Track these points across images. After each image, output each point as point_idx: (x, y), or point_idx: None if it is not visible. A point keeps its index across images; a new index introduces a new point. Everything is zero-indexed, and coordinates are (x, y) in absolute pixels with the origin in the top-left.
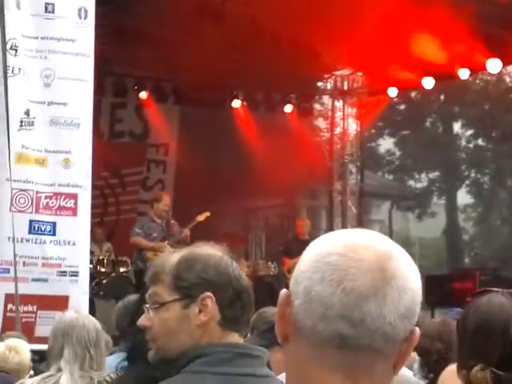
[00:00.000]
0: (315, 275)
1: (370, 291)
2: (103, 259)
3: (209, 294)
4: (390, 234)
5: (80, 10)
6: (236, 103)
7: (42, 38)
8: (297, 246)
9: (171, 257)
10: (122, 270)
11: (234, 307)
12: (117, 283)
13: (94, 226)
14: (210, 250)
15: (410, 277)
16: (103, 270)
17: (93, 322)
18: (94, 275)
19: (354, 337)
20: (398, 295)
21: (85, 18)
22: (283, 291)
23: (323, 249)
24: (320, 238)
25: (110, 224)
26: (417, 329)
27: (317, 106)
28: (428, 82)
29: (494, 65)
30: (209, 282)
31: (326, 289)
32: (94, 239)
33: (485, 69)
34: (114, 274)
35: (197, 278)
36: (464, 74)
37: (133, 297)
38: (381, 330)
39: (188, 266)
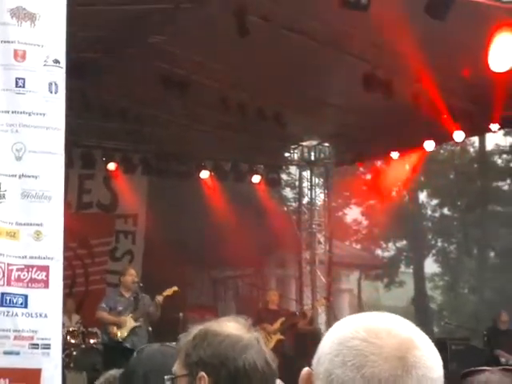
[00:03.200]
0: (337, 358)
1: (389, 379)
2: (73, 331)
3: (202, 373)
4: (359, 304)
5: (51, 84)
6: (204, 174)
7: (13, 112)
8: (268, 315)
9: (193, 331)
10: (91, 341)
11: None
12: (87, 355)
13: (64, 297)
14: (228, 328)
15: (431, 366)
16: (73, 341)
17: None
18: (64, 346)
19: None
20: None
21: (55, 93)
22: (305, 370)
23: (345, 332)
24: (343, 320)
25: (79, 295)
26: None
27: (284, 177)
28: (394, 154)
29: (458, 135)
30: (204, 361)
31: (346, 373)
32: (64, 310)
33: (450, 140)
34: (83, 346)
35: (197, 356)
36: (430, 145)
37: (113, 372)
38: None
39: (195, 343)
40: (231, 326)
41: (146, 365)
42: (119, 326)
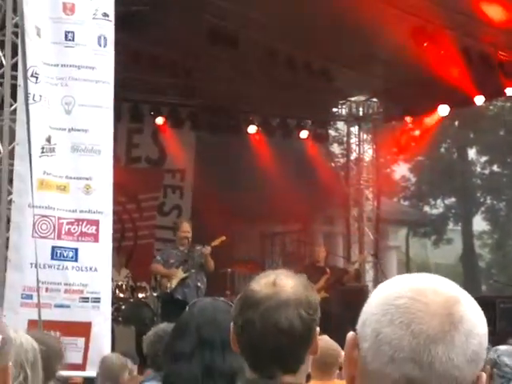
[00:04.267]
0: (384, 318)
1: (438, 335)
2: (122, 285)
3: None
4: (407, 261)
5: (100, 37)
6: (252, 129)
7: (62, 66)
8: (314, 272)
9: None
10: (140, 295)
11: None
12: (136, 309)
13: (113, 251)
14: (255, 283)
15: (476, 322)
16: (122, 295)
17: (31, 343)
18: (113, 300)
19: (423, 380)
20: (466, 339)
21: (104, 46)
22: (350, 334)
23: (391, 292)
24: (387, 281)
25: (127, 249)
26: (483, 374)
27: (332, 132)
28: (443, 110)
29: (509, 90)
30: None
31: (395, 331)
32: (113, 264)
33: (500, 95)
34: (132, 300)
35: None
36: (479, 100)
37: (163, 325)
38: (448, 373)
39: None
40: (260, 282)
41: (198, 318)
42: (169, 277)
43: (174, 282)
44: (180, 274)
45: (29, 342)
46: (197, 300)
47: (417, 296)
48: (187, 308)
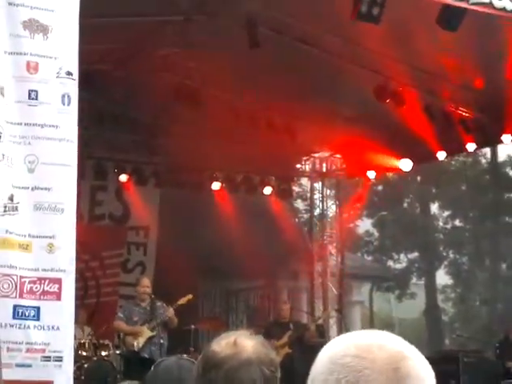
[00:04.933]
0: (330, 376)
1: None
2: (84, 343)
3: None
4: (371, 316)
5: (63, 96)
6: (215, 185)
7: (25, 124)
8: (278, 329)
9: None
10: (103, 353)
11: None
12: (98, 367)
13: (76, 308)
14: (217, 344)
15: (424, 376)
16: (84, 353)
17: None
18: (75, 359)
19: None
20: None
21: (68, 105)
22: None
23: (337, 351)
24: (333, 340)
25: (90, 307)
26: None
27: (295, 188)
28: (406, 164)
29: (470, 146)
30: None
31: None
32: (76, 322)
33: (462, 151)
34: (95, 358)
35: None
36: (441, 155)
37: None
38: None
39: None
40: (221, 343)
41: (163, 377)
42: (136, 335)
43: (141, 341)
44: (147, 332)
45: None
46: (162, 359)
47: (362, 353)
48: (152, 367)
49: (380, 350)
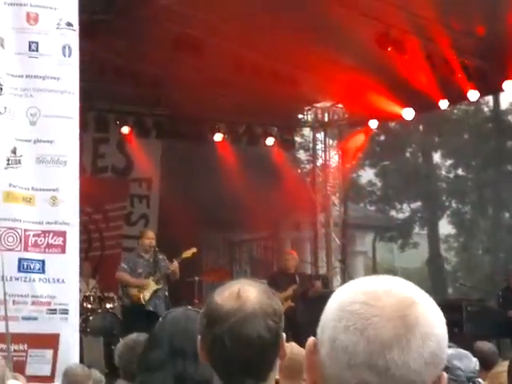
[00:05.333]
0: (339, 324)
1: (392, 339)
2: (89, 296)
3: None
4: (374, 266)
5: (64, 47)
6: (217, 136)
7: (26, 77)
8: (283, 280)
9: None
10: (108, 306)
11: None
12: (104, 320)
13: (80, 261)
14: (219, 296)
15: (433, 323)
16: (90, 306)
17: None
18: (80, 312)
19: None
20: (422, 342)
21: (69, 56)
22: (310, 339)
23: (345, 297)
24: (342, 286)
25: (94, 260)
26: (444, 374)
27: (298, 139)
28: (408, 113)
29: (472, 94)
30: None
31: (349, 337)
32: (81, 275)
33: (464, 99)
34: (100, 311)
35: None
36: (443, 104)
37: (133, 336)
38: (406, 377)
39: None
40: (223, 294)
41: (171, 328)
42: (141, 288)
43: (147, 294)
44: (152, 285)
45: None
46: (169, 311)
47: (370, 300)
48: (160, 319)
49: (388, 296)
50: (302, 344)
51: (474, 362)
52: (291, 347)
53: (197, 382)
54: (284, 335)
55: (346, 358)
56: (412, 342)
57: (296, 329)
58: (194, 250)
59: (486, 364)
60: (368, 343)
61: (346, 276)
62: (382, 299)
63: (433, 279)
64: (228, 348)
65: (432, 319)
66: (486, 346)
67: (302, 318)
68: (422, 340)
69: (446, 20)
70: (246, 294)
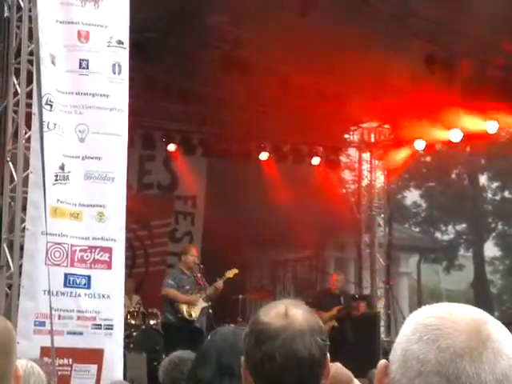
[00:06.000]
0: (413, 336)
1: (464, 350)
2: (133, 311)
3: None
4: (419, 287)
5: (114, 65)
6: (263, 155)
7: (76, 94)
8: (328, 300)
9: None
10: (151, 322)
11: None
12: (147, 336)
13: (125, 277)
14: (265, 316)
15: (505, 342)
16: (133, 322)
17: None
18: (124, 327)
19: None
20: (494, 357)
21: (119, 74)
22: (381, 362)
23: (421, 314)
24: (419, 309)
25: (138, 276)
26: None
27: (343, 159)
28: (455, 135)
29: None
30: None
31: (421, 346)
32: (125, 291)
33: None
34: (144, 327)
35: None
36: (492, 127)
37: (177, 353)
38: None
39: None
40: (270, 314)
41: (219, 345)
42: (191, 304)
43: (197, 311)
44: (201, 302)
45: (40, 372)
46: (219, 328)
47: (445, 315)
48: (209, 336)
49: (463, 314)
50: (346, 363)
51: None
52: (336, 367)
53: None
54: (328, 355)
55: (417, 365)
56: (484, 356)
57: (341, 348)
58: (235, 270)
59: None
60: (440, 351)
61: (391, 297)
62: (457, 315)
63: (478, 302)
64: (279, 365)
65: (503, 339)
66: None
67: (348, 336)
68: (494, 355)
69: (498, 40)
70: (292, 312)
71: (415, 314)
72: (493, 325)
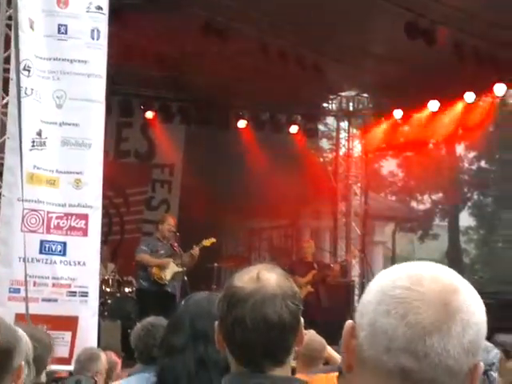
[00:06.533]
0: (380, 307)
1: (433, 325)
2: (108, 279)
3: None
4: (393, 256)
5: (93, 30)
6: (241, 123)
7: (54, 59)
8: (301, 267)
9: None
10: (126, 290)
11: None
12: (122, 303)
13: (101, 245)
14: (239, 280)
15: (474, 311)
16: (108, 290)
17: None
18: (99, 295)
19: (418, 370)
20: (462, 329)
21: (97, 39)
22: (348, 322)
23: (388, 282)
24: (384, 270)
25: (114, 243)
26: (481, 363)
27: (321, 127)
28: (433, 105)
29: (499, 88)
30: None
31: (390, 321)
32: (100, 259)
33: (490, 92)
34: (118, 295)
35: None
36: (470, 97)
37: (150, 319)
38: (444, 363)
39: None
40: (243, 278)
41: (193, 311)
42: (162, 267)
43: (169, 274)
44: (173, 266)
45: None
46: (192, 294)
47: (412, 286)
48: (183, 302)
49: (431, 282)
50: (321, 330)
51: (492, 354)
52: (309, 334)
53: (219, 366)
54: (302, 321)
55: (385, 341)
56: (453, 329)
57: (317, 313)
58: (213, 240)
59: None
60: (408, 328)
61: (365, 265)
62: (425, 285)
63: None
64: (249, 329)
65: (474, 307)
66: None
67: (323, 302)
68: (463, 327)
69: (478, 11)
70: (265, 276)
71: (381, 279)
72: (464, 292)
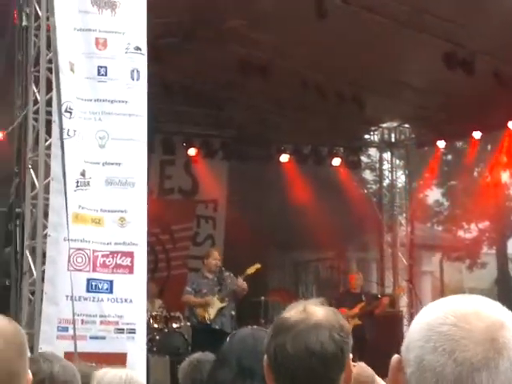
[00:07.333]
0: (427, 344)
1: (481, 362)
2: (156, 315)
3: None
4: (442, 286)
5: (132, 71)
6: (284, 157)
7: (95, 100)
8: (350, 299)
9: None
10: (174, 325)
11: None
12: (170, 339)
13: (147, 281)
14: (287, 312)
15: None
16: (156, 326)
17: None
18: (147, 331)
19: None
20: (510, 364)
21: (137, 79)
22: (395, 357)
23: (434, 318)
24: (429, 305)
25: (161, 280)
26: None
27: (364, 159)
28: (476, 134)
29: None
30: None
31: (438, 358)
32: (148, 295)
33: None
34: (166, 330)
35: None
36: None
37: (197, 355)
38: None
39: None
40: (290, 310)
41: (239, 348)
42: (206, 306)
43: (212, 312)
44: (217, 303)
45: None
46: (237, 330)
47: (459, 322)
48: (228, 338)
49: (477, 318)
50: (369, 361)
51: None
52: (359, 366)
53: None
54: (351, 356)
55: (434, 379)
56: (500, 365)
57: (364, 347)
58: (257, 265)
59: None
60: (456, 365)
61: (413, 295)
62: (472, 322)
63: (502, 299)
64: (290, 356)
65: None
66: None
67: (370, 335)
68: (510, 363)
69: None
70: (311, 309)
71: (426, 314)
72: (509, 327)
